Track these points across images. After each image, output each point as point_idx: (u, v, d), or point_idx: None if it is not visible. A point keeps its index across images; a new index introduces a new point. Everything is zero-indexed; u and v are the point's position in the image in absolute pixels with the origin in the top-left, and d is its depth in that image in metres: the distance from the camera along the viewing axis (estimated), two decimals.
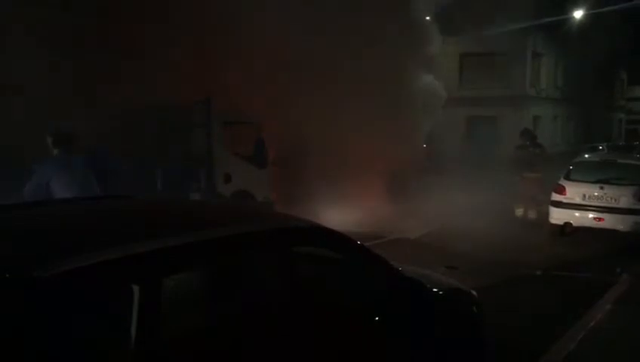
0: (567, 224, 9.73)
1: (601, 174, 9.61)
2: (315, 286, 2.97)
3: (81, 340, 1.99)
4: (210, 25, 8.64)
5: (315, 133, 10.28)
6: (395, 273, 3.30)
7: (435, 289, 3.60)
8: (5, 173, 6.35)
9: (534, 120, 26.06)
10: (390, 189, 11.84)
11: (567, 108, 30.63)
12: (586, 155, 11.47)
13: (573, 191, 9.59)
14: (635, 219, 9.03)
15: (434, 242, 9.18)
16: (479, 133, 23.29)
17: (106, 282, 2.07)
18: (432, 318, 3.46)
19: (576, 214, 9.53)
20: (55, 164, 5.00)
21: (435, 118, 14.27)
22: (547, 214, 10.08)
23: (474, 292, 3.99)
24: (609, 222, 9.19)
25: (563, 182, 9.85)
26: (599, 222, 9.29)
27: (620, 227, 9.14)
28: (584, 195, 9.47)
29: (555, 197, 9.82)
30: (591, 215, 9.37)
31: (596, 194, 9.35)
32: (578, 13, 23.07)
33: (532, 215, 11.01)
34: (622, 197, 9.19)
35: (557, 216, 9.79)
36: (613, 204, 9.21)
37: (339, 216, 9.37)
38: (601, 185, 9.37)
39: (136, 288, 2.04)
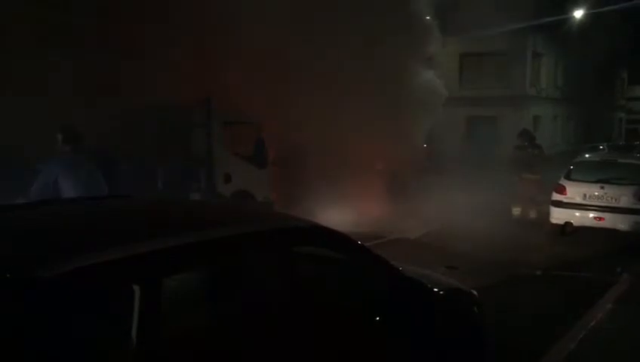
0: (568, 223, 9.74)
1: (601, 174, 9.61)
2: (316, 286, 2.97)
3: (82, 340, 1.99)
4: (211, 25, 8.64)
5: (315, 133, 10.28)
6: (395, 273, 3.30)
7: (435, 289, 3.60)
8: (10, 173, 6.36)
9: (534, 120, 26.05)
10: (390, 189, 11.83)
11: (567, 108, 30.62)
12: (587, 155, 11.46)
13: (574, 191, 9.59)
14: (636, 219, 9.03)
15: (434, 242, 9.17)
16: (479, 133, 23.28)
17: (107, 282, 2.07)
18: (433, 318, 3.46)
19: (577, 214, 9.53)
20: (60, 162, 5.05)
21: (435, 117, 14.25)
22: (547, 214, 10.09)
23: (474, 292, 3.98)
24: (609, 221, 9.20)
25: (563, 181, 9.85)
26: (600, 222, 9.30)
27: (621, 226, 9.15)
28: (585, 195, 9.47)
29: (556, 196, 9.83)
30: (591, 214, 9.38)
31: (597, 193, 9.35)
32: (578, 13, 23.07)
33: (532, 215, 11.00)
34: (622, 196, 9.19)
35: (557, 216, 9.80)
36: (613, 204, 9.21)
37: (339, 216, 9.36)
38: (602, 184, 9.38)
39: (137, 288, 2.04)
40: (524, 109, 24.43)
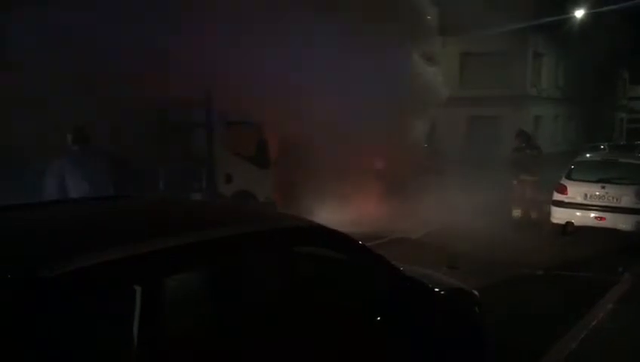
0: (569, 223, 9.73)
1: (602, 173, 9.61)
2: (316, 286, 2.97)
3: (84, 340, 1.99)
4: (211, 25, 8.63)
5: (316, 133, 10.28)
6: (396, 273, 3.30)
7: (436, 289, 3.59)
8: (10, 173, 6.38)
9: (535, 120, 26.05)
10: (391, 189, 11.83)
11: (568, 107, 30.60)
12: (588, 155, 11.46)
13: (575, 191, 9.59)
14: (637, 219, 9.03)
15: (435, 242, 9.17)
16: (480, 133, 23.27)
17: (109, 282, 2.07)
18: (433, 318, 3.46)
19: (578, 213, 9.53)
20: (67, 161, 5.16)
21: (435, 117, 14.26)
22: (547, 214, 10.09)
23: (475, 292, 3.98)
24: (610, 221, 9.19)
25: (565, 181, 9.85)
26: (601, 222, 9.29)
27: (622, 226, 9.14)
28: (586, 195, 9.47)
29: (557, 196, 9.83)
30: (592, 214, 9.38)
31: (598, 193, 9.35)
32: (579, 13, 23.04)
33: (533, 215, 11.00)
34: (623, 196, 9.19)
35: (559, 216, 9.80)
36: (614, 204, 9.21)
37: (340, 215, 9.36)
38: (603, 184, 9.38)
39: (138, 288, 2.04)
40: (525, 109, 24.42)
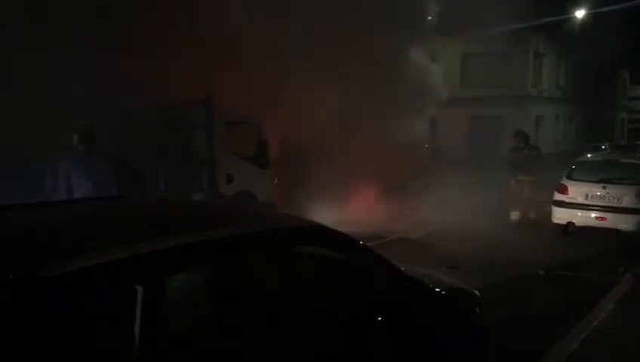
0: (570, 223, 9.72)
1: (603, 174, 9.61)
2: (317, 286, 2.97)
3: (85, 340, 1.99)
4: (211, 24, 8.63)
5: (317, 133, 10.28)
6: (397, 273, 3.30)
7: (437, 289, 3.59)
8: (10, 173, 6.39)
9: (536, 119, 26.06)
10: (392, 189, 11.83)
11: (569, 107, 30.61)
12: (589, 155, 11.44)
13: (576, 191, 9.59)
14: (638, 219, 9.02)
15: (435, 242, 9.16)
16: (481, 133, 23.27)
17: (110, 282, 2.07)
18: (434, 318, 3.45)
19: (579, 214, 9.53)
20: (72, 161, 5.22)
21: (436, 117, 14.26)
22: (547, 214, 10.08)
23: (477, 292, 3.98)
24: (611, 221, 9.19)
25: (565, 181, 9.85)
26: (602, 222, 9.29)
27: (623, 226, 9.13)
28: (587, 195, 9.46)
29: (558, 196, 9.82)
30: (593, 214, 9.37)
31: (599, 193, 9.34)
32: (580, 13, 23.03)
33: (531, 215, 10.99)
34: (624, 196, 9.18)
35: (559, 216, 9.79)
36: (615, 204, 9.20)
37: (340, 216, 9.36)
38: (604, 184, 9.37)
39: (139, 288, 2.04)
40: (525, 109, 24.42)
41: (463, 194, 11.67)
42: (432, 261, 6.18)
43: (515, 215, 11.01)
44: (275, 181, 10.15)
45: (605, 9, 22.18)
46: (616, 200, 9.21)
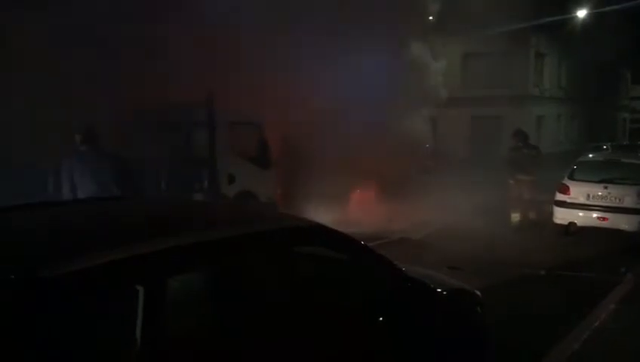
0: (572, 224, 9.71)
1: (605, 174, 9.60)
2: (317, 286, 2.97)
3: (86, 341, 1.99)
4: (212, 24, 8.64)
5: (318, 133, 10.28)
6: (398, 273, 3.30)
7: (438, 290, 3.59)
8: (10, 173, 6.41)
9: (538, 119, 26.03)
10: (392, 189, 11.82)
11: (570, 107, 30.59)
12: (590, 155, 11.43)
13: (577, 191, 9.58)
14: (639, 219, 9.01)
15: (437, 242, 9.15)
16: (482, 133, 23.25)
17: (111, 283, 2.07)
18: (435, 318, 3.45)
19: (581, 214, 9.51)
20: (76, 160, 5.31)
21: (437, 117, 14.26)
22: (547, 214, 10.06)
23: (478, 293, 3.97)
24: (613, 221, 9.17)
25: (567, 181, 9.84)
26: (603, 222, 9.27)
27: (624, 226, 9.12)
28: (588, 195, 9.45)
29: (559, 196, 9.81)
30: (595, 214, 9.36)
31: (600, 193, 9.33)
32: (581, 13, 23.00)
33: (530, 215, 10.98)
34: (626, 196, 9.17)
35: (561, 216, 9.78)
36: (617, 204, 9.19)
37: (341, 216, 9.35)
38: (605, 184, 9.36)
39: (140, 289, 2.04)
40: (527, 109, 24.40)
41: (464, 194, 11.66)
42: (433, 261, 6.19)
43: (515, 215, 11.00)
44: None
45: (607, 9, 22.15)
46: (617, 201, 9.20)
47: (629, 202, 9.13)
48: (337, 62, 10.25)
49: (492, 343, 3.91)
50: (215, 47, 8.75)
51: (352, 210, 10.66)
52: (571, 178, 9.87)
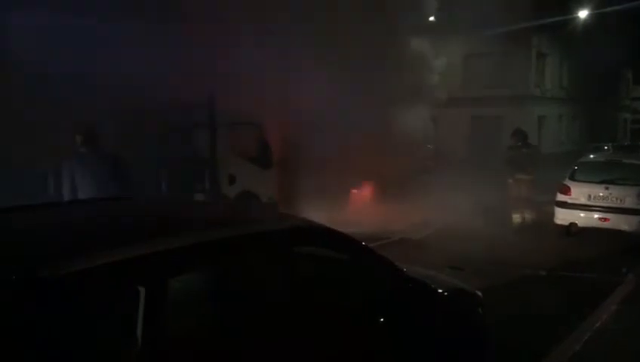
0: (573, 224, 9.70)
1: (606, 174, 9.59)
2: (318, 286, 2.97)
3: (86, 341, 1.99)
4: (212, 24, 8.64)
5: (319, 133, 10.28)
6: (399, 274, 3.29)
7: (439, 290, 3.58)
8: (10, 173, 6.41)
9: (539, 120, 26.01)
10: (394, 190, 11.82)
11: (572, 107, 30.56)
12: (591, 155, 11.43)
13: (578, 192, 9.57)
14: None
15: (438, 242, 9.14)
16: (483, 133, 23.24)
17: (111, 283, 2.07)
18: (435, 319, 3.45)
19: (582, 214, 9.50)
20: (77, 161, 5.32)
21: (438, 117, 14.26)
22: (547, 214, 10.05)
23: (479, 293, 3.97)
24: (614, 222, 9.16)
25: (568, 182, 9.83)
26: (604, 223, 9.26)
27: (626, 227, 9.11)
28: (589, 195, 9.44)
29: (560, 197, 9.81)
30: (596, 215, 9.35)
31: (601, 194, 9.32)
32: (583, 13, 22.99)
33: (531, 215, 10.98)
34: (627, 197, 9.16)
35: (562, 217, 9.77)
36: (618, 204, 9.18)
37: (342, 216, 9.35)
38: (607, 185, 9.35)
39: (141, 289, 2.04)
40: (528, 109, 24.38)
41: (464, 194, 11.65)
42: (434, 261, 6.18)
43: (516, 216, 11.00)
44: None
45: (608, 9, 22.13)
46: (618, 201, 9.19)
47: (630, 203, 9.12)
48: (337, 63, 10.25)
49: (492, 343, 3.90)
50: (215, 47, 8.75)
51: (353, 210, 10.65)
52: (572, 178, 9.86)
